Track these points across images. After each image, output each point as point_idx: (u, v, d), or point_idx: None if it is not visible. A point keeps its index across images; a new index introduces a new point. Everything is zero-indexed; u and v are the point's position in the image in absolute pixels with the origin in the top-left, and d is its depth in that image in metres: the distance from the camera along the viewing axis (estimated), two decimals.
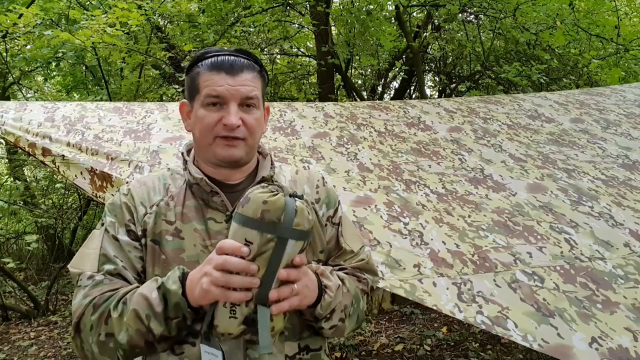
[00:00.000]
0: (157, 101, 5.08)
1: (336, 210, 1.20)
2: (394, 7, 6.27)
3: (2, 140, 3.43)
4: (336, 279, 1.05)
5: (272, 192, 0.88)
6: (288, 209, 0.86)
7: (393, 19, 6.91)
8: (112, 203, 1.09)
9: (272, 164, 1.15)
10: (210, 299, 0.89)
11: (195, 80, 1.06)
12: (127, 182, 1.94)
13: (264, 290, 0.87)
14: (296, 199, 0.88)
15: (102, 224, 1.07)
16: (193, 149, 1.15)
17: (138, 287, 0.99)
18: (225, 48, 1.08)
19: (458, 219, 2.01)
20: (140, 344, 0.94)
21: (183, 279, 0.94)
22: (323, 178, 1.23)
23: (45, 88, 7.51)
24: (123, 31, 4.19)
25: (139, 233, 1.05)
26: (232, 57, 1.05)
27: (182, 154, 1.13)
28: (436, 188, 2.23)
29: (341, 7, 6.83)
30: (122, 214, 1.06)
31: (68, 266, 1.06)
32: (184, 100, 1.12)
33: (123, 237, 1.04)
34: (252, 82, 1.05)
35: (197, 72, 1.06)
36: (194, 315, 0.94)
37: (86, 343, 0.98)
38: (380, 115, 2.99)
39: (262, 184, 0.92)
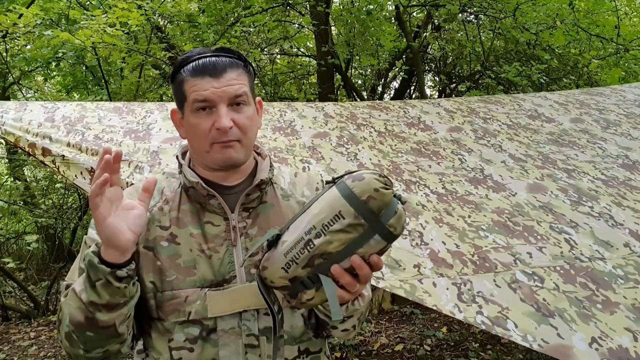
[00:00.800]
0: (157, 101, 5.08)
1: None
2: (394, 7, 6.27)
3: (2, 140, 3.43)
4: (369, 290, 1.04)
5: (386, 185, 0.86)
6: (391, 207, 0.85)
7: (393, 19, 6.91)
8: None
9: (271, 165, 1.13)
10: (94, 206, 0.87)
11: (181, 87, 1.04)
12: (127, 183, 1.95)
13: (328, 264, 0.86)
14: (400, 202, 0.87)
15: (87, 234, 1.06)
16: (188, 152, 1.13)
17: None
18: (206, 49, 1.05)
19: (458, 219, 2.01)
20: (80, 319, 0.92)
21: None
22: (323, 180, 1.22)
23: (45, 88, 7.51)
24: (123, 31, 4.20)
25: None
26: (214, 58, 1.02)
27: (177, 157, 1.11)
28: (436, 188, 2.23)
29: (341, 7, 6.83)
30: None
31: (66, 279, 1.06)
32: (174, 107, 1.10)
33: None
34: (238, 80, 1.03)
35: (182, 79, 1.04)
36: (110, 269, 0.90)
37: (63, 343, 0.98)
38: (380, 115, 2.99)
39: (377, 172, 0.89)
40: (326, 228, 0.85)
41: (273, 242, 0.91)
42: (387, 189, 0.85)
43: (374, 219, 0.84)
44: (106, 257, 0.90)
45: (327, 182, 0.91)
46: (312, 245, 0.86)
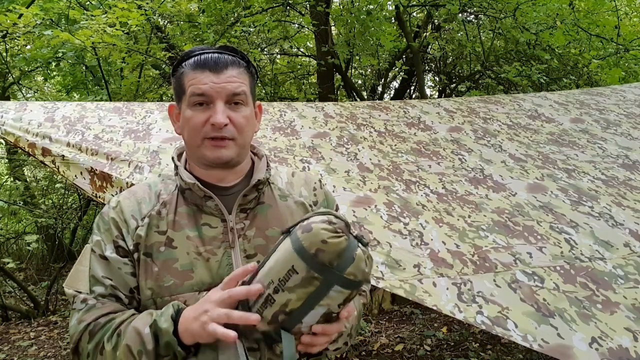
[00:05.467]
0: (157, 101, 5.08)
1: None
2: (394, 7, 6.26)
3: (2, 140, 3.43)
4: (359, 304, 1.03)
5: (337, 232, 0.82)
6: (345, 255, 0.82)
7: (393, 19, 6.90)
8: (100, 218, 1.06)
9: (267, 165, 1.12)
10: (211, 338, 0.88)
11: (180, 80, 1.04)
12: (127, 183, 1.95)
13: (292, 320, 0.85)
14: (360, 245, 0.84)
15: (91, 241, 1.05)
16: (184, 152, 1.12)
17: (134, 314, 0.97)
18: (210, 46, 1.05)
19: (458, 219, 2.01)
20: None
21: (176, 316, 0.91)
22: (320, 180, 1.21)
23: (45, 88, 7.52)
24: (123, 31, 4.19)
25: (131, 247, 1.01)
26: (216, 55, 1.02)
27: (173, 158, 1.10)
28: (436, 188, 2.23)
29: (341, 7, 6.83)
30: (109, 230, 1.03)
31: (64, 285, 1.04)
32: (173, 102, 1.10)
33: (111, 254, 1.01)
34: (238, 78, 1.02)
35: (182, 73, 1.03)
36: (185, 353, 0.92)
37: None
38: (380, 115, 2.99)
39: (330, 216, 0.85)
40: (283, 284, 0.83)
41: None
42: (338, 237, 0.82)
43: (328, 271, 0.81)
44: (183, 335, 0.90)
45: (283, 232, 0.89)
46: (272, 301, 0.85)
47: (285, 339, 0.85)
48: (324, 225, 0.83)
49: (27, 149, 2.22)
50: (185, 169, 1.08)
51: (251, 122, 1.07)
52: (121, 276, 1.00)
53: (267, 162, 1.13)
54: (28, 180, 6.89)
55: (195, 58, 1.02)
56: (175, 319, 0.91)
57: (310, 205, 1.13)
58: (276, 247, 0.87)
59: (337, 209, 1.20)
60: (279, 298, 0.84)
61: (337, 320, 0.89)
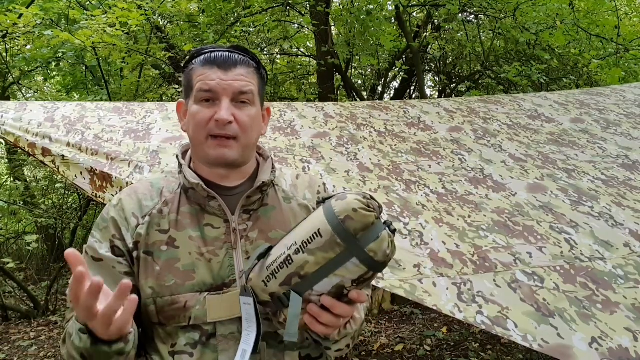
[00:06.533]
0: (157, 101, 5.08)
1: None
2: (394, 7, 6.26)
3: (2, 140, 3.43)
4: (362, 313, 1.02)
5: (369, 207, 0.84)
6: (372, 230, 0.83)
7: (393, 19, 6.90)
8: (101, 217, 1.06)
9: (273, 167, 1.11)
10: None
11: (189, 77, 1.04)
12: (127, 183, 1.95)
13: (305, 284, 0.85)
14: (387, 228, 0.85)
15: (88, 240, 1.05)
16: (189, 151, 1.11)
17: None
18: (222, 45, 1.06)
19: (458, 219, 2.00)
20: None
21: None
22: (324, 184, 1.20)
23: (45, 88, 7.52)
24: (123, 31, 4.20)
25: (130, 246, 1.01)
26: (227, 53, 1.03)
27: (177, 156, 1.10)
28: (436, 188, 2.23)
29: (341, 7, 6.83)
30: (107, 229, 1.03)
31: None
32: (182, 99, 1.10)
33: (106, 253, 1.00)
34: (246, 77, 1.02)
35: (192, 69, 1.04)
36: (110, 345, 0.87)
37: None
38: (380, 115, 2.99)
39: (366, 194, 0.87)
40: (305, 245, 0.85)
41: (263, 255, 0.91)
42: (368, 211, 0.83)
43: (351, 240, 0.82)
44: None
45: (318, 202, 0.91)
46: (290, 261, 0.86)
47: (294, 299, 0.86)
48: (358, 197, 0.85)
49: (27, 149, 2.22)
50: (190, 167, 1.08)
51: (257, 123, 1.06)
52: (113, 275, 0.99)
53: (273, 164, 1.12)
54: (28, 180, 6.89)
55: (206, 55, 1.03)
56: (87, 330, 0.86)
57: (314, 208, 1.12)
58: (307, 217, 0.90)
59: None
60: (298, 259, 0.85)
61: (347, 302, 0.88)
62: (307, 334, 1.04)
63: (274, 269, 0.87)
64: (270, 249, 0.91)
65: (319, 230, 0.84)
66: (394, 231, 0.86)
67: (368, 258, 0.83)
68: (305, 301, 0.87)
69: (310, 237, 0.84)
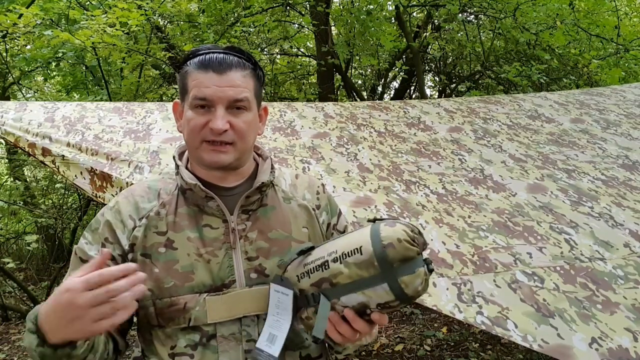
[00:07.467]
0: (157, 101, 5.08)
1: (339, 218, 1.18)
2: (394, 7, 6.26)
3: (2, 140, 3.43)
4: (377, 327, 1.02)
5: (413, 241, 0.86)
6: (411, 264, 0.84)
7: (393, 19, 6.90)
8: (95, 219, 1.06)
9: (272, 167, 1.10)
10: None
11: (185, 79, 1.03)
12: (127, 183, 1.95)
13: (333, 291, 0.89)
14: (425, 265, 0.87)
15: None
16: (186, 152, 1.11)
17: None
18: (218, 46, 1.04)
19: (458, 220, 2.01)
20: None
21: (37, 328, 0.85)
22: (323, 185, 1.20)
23: (45, 88, 7.52)
24: (123, 31, 4.19)
25: (126, 248, 1.00)
26: (222, 55, 1.01)
27: (174, 157, 1.09)
28: (436, 188, 2.23)
29: (341, 7, 6.84)
30: (100, 231, 1.03)
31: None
32: (177, 99, 1.09)
33: (95, 255, 1.00)
34: (242, 83, 1.01)
35: (187, 71, 1.02)
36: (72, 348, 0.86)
37: None
38: (380, 116, 2.99)
39: (415, 228, 0.88)
40: (344, 257, 0.88)
41: (304, 252, 0.95)
42: (412, 244, 0.85)
43: (387, 267, 0.84)
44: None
45: (369, 220, 0.94)
46: (327, 267, 0.89)
47: (323, 302, 0.90)
48: (406, 229, 0.87)
49: (27, 149, 2.22)
50: (187, 168, 1.07)
51: (253, 127, 1.05)
52: None
53: (272, 164, 1.11)
54: (28, 180, 6.89)
55: (201, 57, 1.01)
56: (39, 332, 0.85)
57: (314, 209, 1.12)
58: (359, 229, 0.93)
59: (340, 214, 1.20)
60: (334, 267, 0.89)
61: (367, 320, 0.90)
62: (307, 335, 1.05)
63: (310, 269, 0.92)
64: (312, 248, 0.95)
65: (360, 247, 0.87)
66: (431, 270, 0.88)
67: (399, 288, 0.85)
68: (330, 307, 0.91)
69: (351, 251, 0.88)
